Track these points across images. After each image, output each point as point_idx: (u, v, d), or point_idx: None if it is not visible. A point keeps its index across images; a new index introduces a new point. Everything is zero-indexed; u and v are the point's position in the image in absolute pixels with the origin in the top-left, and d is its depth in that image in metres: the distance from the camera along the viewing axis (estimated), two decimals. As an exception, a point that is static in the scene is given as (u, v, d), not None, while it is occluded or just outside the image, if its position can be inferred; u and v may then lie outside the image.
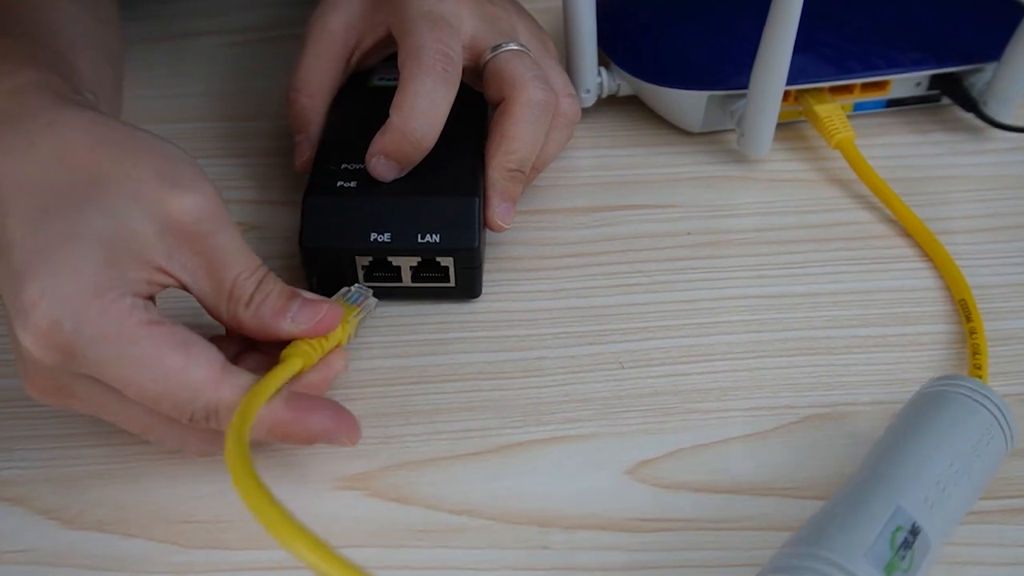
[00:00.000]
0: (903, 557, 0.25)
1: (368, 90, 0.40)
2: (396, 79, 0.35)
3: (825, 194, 0.41)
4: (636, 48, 0.44)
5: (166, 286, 0.28)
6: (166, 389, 0.27)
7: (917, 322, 0.36)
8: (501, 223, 0.35)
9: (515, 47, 0.36)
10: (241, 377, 0.28)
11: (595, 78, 0.43)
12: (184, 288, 0.29)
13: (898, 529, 0.26)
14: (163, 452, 0.32)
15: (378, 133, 0.34)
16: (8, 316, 0.27)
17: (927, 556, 0.26)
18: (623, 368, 0.34)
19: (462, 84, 0.35)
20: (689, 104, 0.43)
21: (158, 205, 0.28)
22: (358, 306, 0.33)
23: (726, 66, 0.42)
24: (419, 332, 0.35)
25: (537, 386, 0.34)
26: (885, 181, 0.40)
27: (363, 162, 0.35)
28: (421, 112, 0.34)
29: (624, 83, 0.44)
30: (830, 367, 0.34)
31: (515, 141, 0.35)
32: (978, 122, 0.44)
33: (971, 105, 0.43)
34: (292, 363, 0.29)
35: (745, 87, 0.40)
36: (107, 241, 0.27)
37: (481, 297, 0.37)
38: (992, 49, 0.42)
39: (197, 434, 0.29)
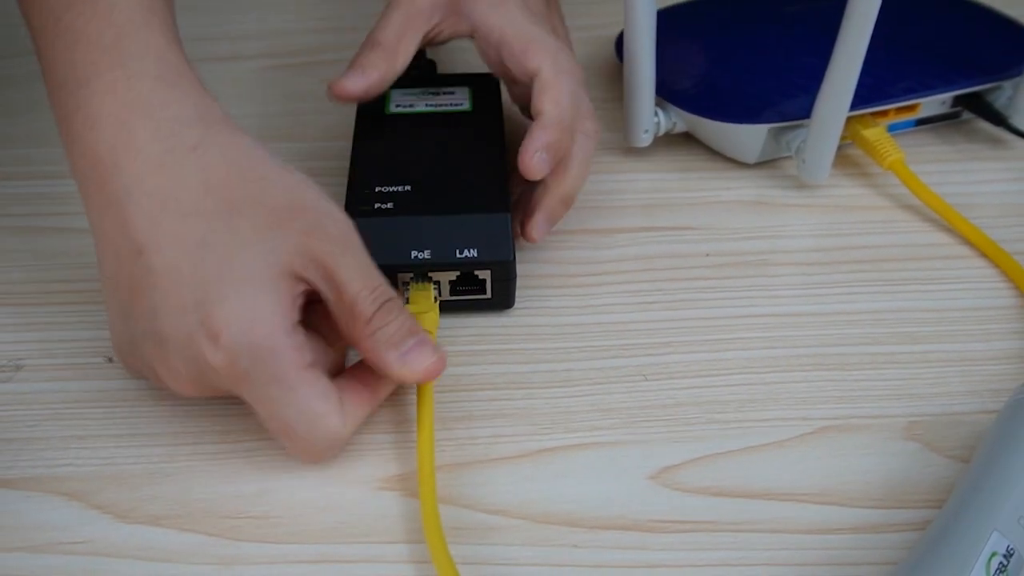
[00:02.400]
0: None
1: (388, 117, 0.42)
2: (412, 106, 0.39)
3: (876, 217, 0.44)
4: (692, 86, 0.46)
5: (309, 298, 0.31)
6: (306, 430, 0.31)
7: (923, 341, 0.38)
8: (539, 238, 0.38)
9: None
10: (357, 411, 0.32)
11: (652, 119, 0.45)
12: (322, 298, 0.31)
13: (993, 555, 0.27)
14: (213, 453, 0.34)
15: (536, 130, 0.37)
16: (160, 331, 0.30)
17: (1020, 574, 0.27)
18: (646, 380, 0.36)
19: (480, 102, 0.40)
20: (748, 137, 0.45)
21: (294, 231, 0.30)
22: (432, 289, 0.36)
23: (784, 98, 0.44)
24: (455, 344, 0.37)
25: (565, 396, 0.35)
26: (941, 197, 0.43)
27: (396, 184, 0.37)
28: (568, 104, 0.38)
29: (679, 121, 0.46)
30: (842, 382, 0.36)
31: (576, 176, 0.39)
32: (1000, 134, 0.47)
33: (999, 119, 0.46)
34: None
35: (802, 117, 0.43)
36: (267, 273, 0.30)
37: (512, 312, 0.39)
38: (1009, 68, 0.46)
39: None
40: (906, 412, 0.35)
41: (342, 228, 0.31)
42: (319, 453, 0.32)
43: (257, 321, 0.29)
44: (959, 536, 0.27)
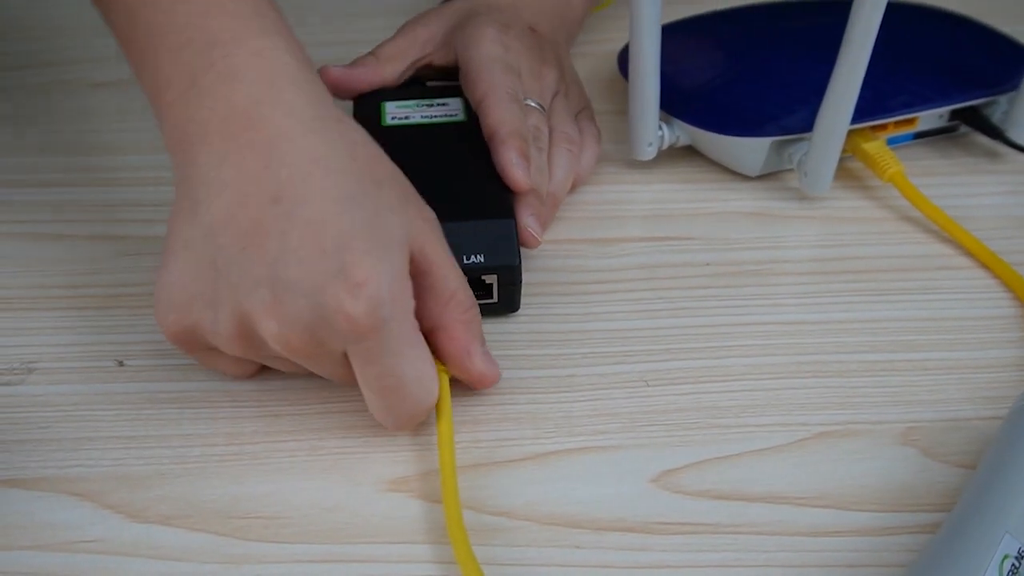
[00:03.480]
0: None
1: (384, 129, 0.43)
2: (407, 117, 0.42)
3: (876, 228, 0.44)
4: (696, 101, 0.47)
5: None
6: (416, 389, 0.32)
7: (920, 349, 0.38)
8: (539, 239, 0.40)
9: (534, 105, 0.43)
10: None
11: (656, 132, 0.46)
12: (424, 280, 0.33)
13: (1005, 558, 0.27)
14: (222, 455, 0.34)
15: (496, 148, 0.40)
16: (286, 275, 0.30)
17: None
18: (648, 386, 0.37)
19: (472, 110, 0.42)
20: (751, 150, 0.46)
21: (418, 216, 0.33)
22: None
23: (786, 113, 0.45)
24: (458, 349, 0.38)
25: (568, 400, 0.36)
26: (940, 208, 0.44)
27: None
28: (507, 113, 0.41)
29: (683, 134, 0.47)
30: (841, 388, 0.37)
31: (559, 180, 0.43)
32: (996, 147, 0.48)
33: (995, 133, 0.47)
34: (443, 379, 0.34)
35: (804, 131, 0.43)
36: (401, 241, 0.31)
37: (517, 318, 0.39)
38: (1004, 82, 0.47)
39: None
40: (904, 418, 0.35)
41: (436, 222, 0.34)
42: (416, 415, 0.33)
43: (399, 278, 0.31)
44: (971, 538, 0.28)
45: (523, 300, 0.39)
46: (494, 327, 0.39)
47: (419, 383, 0.32)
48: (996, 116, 0.48)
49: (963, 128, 0.49)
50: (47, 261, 0.42)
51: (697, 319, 0.39)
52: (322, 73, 0.43)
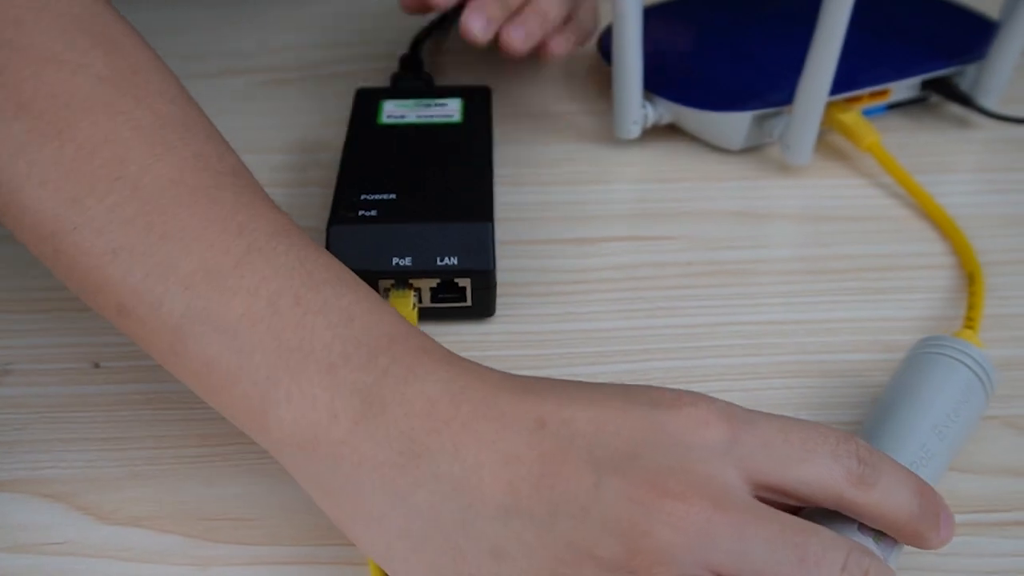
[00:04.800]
0: None
1: (378, 128, 0.43)
2: (403, 117, 0.42)
3: (857, 227, 0.44)
4: (677, 77, 0.48)
5: None
6: None
7: (902, 349, 0.38)
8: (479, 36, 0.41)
9: None
10: None
11: (641, 110, 0.46)
12: None
13: None
14: (194, 457, 0.34)
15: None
16: None
17: None
18: (625, 387, 0.36)
19: (470, 114, 0.42)
20: (732, 125, 0.47)
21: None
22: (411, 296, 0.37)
23: (766, 86, 0.46)
24: (435, 350, 0.38)
25: (544, 402, 0.36)
26: (911, 176, 0.45)
27: (381, 193, 0.38)
28: None
29: (666, 112, 0.48)
30: (821, 389, 0.36)
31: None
32: (966, 114, 0.50)
33: (965, 100, 0.49)
34: None
35: (784, 104, 0.45)
36: None
37: (495, 319, 0.39)
38: (970, 52, 0.49)
39: None
40: (883, 419, 0.35)
41: None
42: None
43: None
44: None
45: (500, 300, 0.39)
46: (470, 328, 0.39)
47: None
48: (964, 85, 0.49)
49: (934, 98, 0.51)
50: (23, 264, 0.42)
51: (675, 319, 0.39)
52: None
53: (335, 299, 0.28)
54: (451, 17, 0.54)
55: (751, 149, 0.48)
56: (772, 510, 0.25)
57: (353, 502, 0.27)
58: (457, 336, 0.38)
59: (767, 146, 0.48)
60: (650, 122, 0.47)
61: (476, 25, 0.41)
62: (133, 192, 0.29)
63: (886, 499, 0.27)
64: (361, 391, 0.27)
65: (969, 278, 0.40)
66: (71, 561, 0.31)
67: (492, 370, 0.29)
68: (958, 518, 0.31)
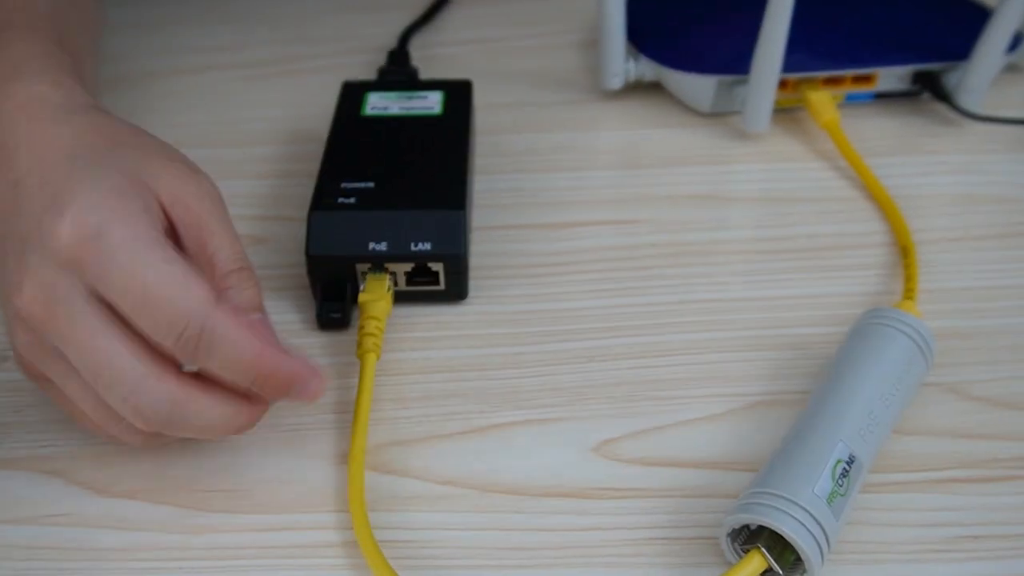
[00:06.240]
0: (841, 485, 0.30)
1: (362, 119, 0.45)
2: (386, 109, 0.43)
3: (816, 208, 0.46)
4: (659, 38, 0.52)
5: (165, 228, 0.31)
6: (169, 295, 0.28)
7: (849, 322, 0.40)
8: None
9: None
10: (232, 305, 0.30)
11: (623, 64, 0.50)
12: (176, 240, 0.32)
13: (838, 462, 0.31)
14: (185, 432, 0.36)
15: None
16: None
17: (860, 477, 0.31)
18: (592, 361, 0.38)
19: (450, 107, 0.44)
20: (700, 87, 0.50)
21: (169, 173, 0.32)
22: (387, 278, 0.39)
23: (732, 54, 0.49)
24: (413, 330, 0.40)
25: (515, 377, 0.38)
26: (861, 156, 0.48)
27: (361, 181, 0.40)
28: None
29: (648, 69, 0.51)
30: (775, 361, 0.38)
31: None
32: (948, 112, 0.51)
33: (944, 96, 0.50)
34: (369, 360, 0.36)
35: (744, 72, 0.47)
36: (132, 181, 0.31)
37: (468, 301, 0.41)
38: (963, 49, 0.49)
39: (127, 425, 0.31)
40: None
41: (214, 189, 0.33)
42: (182, 327, 0.29)
43: (118, 196, 0.30)
44: (811, 446, 0.31)
45: (475, 283, 0.41)
46: (446, 308, 0.41)
47: (165, 286, 0.29)
48: (951, 82, 0.50)
49: (926, 94, 0.51)
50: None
51: (642, 298, 0.41)
52: None
53: None
54: (438, 11, 0.56)
55: (718, 140, 0.50)
56: None
57: None
58: (434, 317, 0.40)
59: (735, 137, 0.50)
60: (633, 76, 0.51)
61: None
62: None
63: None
64: None
65: (903, 252, 0.42)
66: (71, 531, 0.33)
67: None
68: (898, 477, 0.34)
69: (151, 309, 0.29)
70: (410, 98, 0.46)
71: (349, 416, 0.37)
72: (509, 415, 0.37)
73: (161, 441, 0.33)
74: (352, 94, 0.46)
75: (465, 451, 0.35)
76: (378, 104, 0.45)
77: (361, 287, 0.39)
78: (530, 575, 0.31)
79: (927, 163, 0.49)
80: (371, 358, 0.36)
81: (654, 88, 0.53)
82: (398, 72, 0.50)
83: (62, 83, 0.35)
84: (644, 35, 0.52)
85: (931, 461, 0.35)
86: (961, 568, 0.31)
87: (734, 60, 0.49)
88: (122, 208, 0.30)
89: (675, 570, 0.31)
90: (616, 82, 0.51)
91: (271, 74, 0.56)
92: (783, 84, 0.49)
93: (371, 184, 0.40)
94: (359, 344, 0.37)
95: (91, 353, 0.29)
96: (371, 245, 0.38)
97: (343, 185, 0.40)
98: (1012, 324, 0.40)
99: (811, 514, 0.29)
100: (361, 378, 0.36)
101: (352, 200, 0.39)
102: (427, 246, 0.38)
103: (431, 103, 0.46)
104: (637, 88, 0.53)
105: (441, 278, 0.40)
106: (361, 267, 0.39)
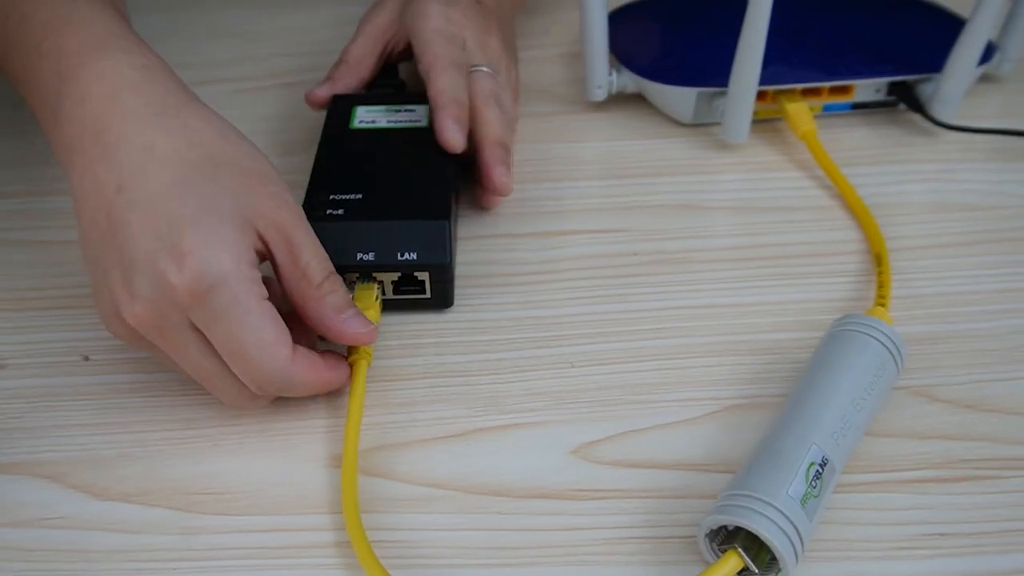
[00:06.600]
0: (815, 486, 0.31)
1: (351, 132, 0.46)
2: (374, 122, 0.45)
3: (790, 217, 0.48)
4: (641, 52, 0.54)
5: (263, 257, 0.35)
6: (258, 359, 0.34)
7: (825, 328, 0.41)
8: (504, 184, 0.45)
9: (486, 69, 0.47)
10: (304, 358, 0.35)
11: (606, 76, 0.52)
12: (272, 262, 0.36)
13: (811, 465, 0.32)
14: (179, 439, 0.37)
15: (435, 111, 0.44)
16: (124, 257, 0.33)
17: (833, 479, 0.32)
18: (573, 367, 0.40)
19: (432, 119, 0.45)
20: (681, 99, 0.52)
21: (264, 195, 0.35)
22: (375, 288, 0.40)
23: (712, 67, 0.50)
24: (400, 338, 0.41)
25: (498, 382, 0.39)
26: (838, 166, 0.49)
27: (349, 193, 0.41)
28: (453, 84, 0.45)
29: (630, 82, 0.53)
30: (751, 365, 0.40)
31: (491, 118, 0.46)
32: (925, 123, 0.52)
33: (918, 107, 0.51)
34: (361, 366, 0.37)
35: (724, 85, 0.49)
36: (237, 217, 0.34)
37: (454, 308, 0.42)
38: (938, 61, 0.50)
39: (246, 391, 0.36)
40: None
41: (297, 205, 0.36)
42: (270, 380, 0.34)
43: (225, 248, 0.33)
44: (787, 449, 0.32)
45: (461, 291, 0.43)
46: (432, 316, 0.42)
47: (259, 348, 0.34)
48: (926, 94, 0.51)
49: (902, 105, 0.53)
50: (16, 265, 0.45)
51: (622, 305, 0.43)
52: (309, 96, 0.49)
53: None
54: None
55: (699, 150, 0.52)
56: None
57: None
58: (420, 325, 0.42)
59: (716, 147, 0.52)
60: (616, 88, 0.53)
61: (506, 177, 0.45)
62: None
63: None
64: (56, 108, 0.36)
65: (876, 259, 0.44)
66: (69, 534, 0.34)
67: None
68: (869, 477, 0.35)
69: (242, 364, 0.34)
70: (397, 111, 0.47)
71: (338, 421, 0.38)
72: (492, 419, 0.38)
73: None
74: (341, 107, 0.48)
75: (449, 455, 0.36)
76: (366, 117, 0.47)
77: (351, 296, 0.40)
78: (512, 573, 0.33)
79: (902, 172, 0.50)
80: (363, 364, 0.38)
81: (637, 100, 0.54)
82: (385, 85, 0.52)
83: (148, 65, 0.37)
84: (627, 48, 0.53)
85: (899, 462, 0.36)
86: (928, 564, 0.33)
87: (714, 72, 0.50)
88: (231, 261, 0.33)
89: (651, 568, 0.33)
90: (600, 94, 0.52)
91: (262, 88, 0.57)
92: (762, 95, 0.51)
93: (359, 195, 0.41)
94: (350, 351, 0.38)
95: (195, 369, 0.35)
96: (359, 255, 0.40)
97: (332, 196, 0.41)
98: (980, 328, 0.41)
99: (786, 515, 0.30)
100: (353, 383, 0.37)
101: (341, 211, 0.41)
102: (413, 255, 0.40)
103: (418, 116, 0.47)
104: (620, 100, 0.54)
105: (427, 287, 0.41)
106: (350, 276, 0.40)
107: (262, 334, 0.34)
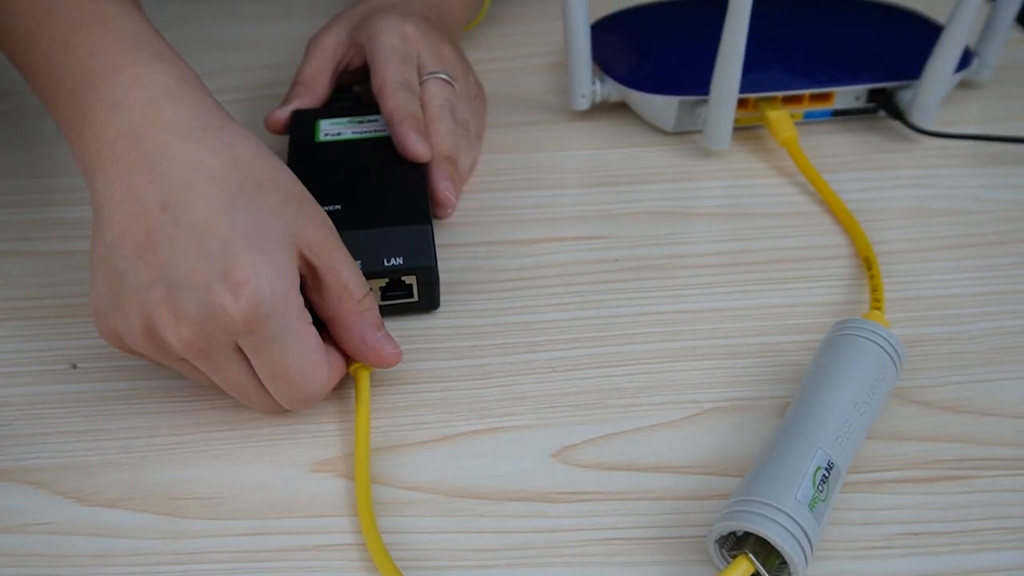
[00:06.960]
0: (822, 490, 0.32)
1: (317, 145, 0.47)
2: (340, 134, 0.46)
3: (772, 223, 0.48)
4: (624, 61, 0.54)
5: (303, 276, 0.36)
6: (301, 377, 0.35)
7: (806, 332, 0.42)
8: (448, 198, 0.46)
9: (444, 76, 0.49)
10: (335, 377, 0.37)
11: (590, 85, 0.53)
12: (312, 280, 0.36)
13: (818, 469, 0.32)
14: (164, 445, 0.38)
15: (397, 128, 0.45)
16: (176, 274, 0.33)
17: (838, 483, 0.33)
18: (554, 372, 0.40)
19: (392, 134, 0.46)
20: (663, 107, 0.52)
21: (304, 215, 0.36)
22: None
23: (693, 76, 0.51)
24: (383, 344, 0.42)
25: (480, 387, 0.40)
26: (819, 172, 0.50)
27: (327, 204, 0.41)
28: (405, 100, 0.47)
29: (613, 91, 0.53)
30: (731, 369, 0.40)
31: (444, 130, 0.47)
32: (904, 129, 0.53)
33: (897, 114, 0.52)
34: (363, 374, 0.38)
35: (705, 93, 0.49)
36: (284, 240, 0.34)
37: (437, 315, 0.43)
38: (916, 68, 0.51)
39: (277, 403, 0.37)
40: (785, 393, 0.39)
41: (332, 226, 0.37)
42: (306, 400, 0.36)
43: (279, 275, 0.33)
44: (794, 454, 0.33)
45: (444, 298, 0.43)
46: (415, 322, 0.42)
47: (303, 372, 0.35)
48: (905, 100, 0.52)
49: (881, 112, 0.53)
50: (7, 275, 0.45)
51: (604, 311, 0.43)
52: (268, 118, 0.49)
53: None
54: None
55: (681, 158, 0.52)
56: None
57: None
58: (404, 331, 0.42)
59: (698, 155, 0.53)
60: (599, 97, 0.53)
61: (451, 192, 0.46)
62: None
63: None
64: (85, 110, 0.36)
65: (865, 263, 0.44)
66: (54, 539, 0.35)
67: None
68: (853, 477, 0.35)
69: (282, 385, 0.36)
70: (361, 122, 0.48)
71: (321, 427, 0.38)
72: (474, 424, 0.38)
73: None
74: (303, 122, 0.48)
75: (431, 458, 0.37)
76: (331, 130, 0.47)
77: None
78: (492, 575, 0.33)
79: (883, 178, 0.51)
80: (365, 373, 0.38)
81: (620, 109, 0.55)
82: (343, 99, 0.52)
83: (183, 75, 0.37)
84: (610, 58, 0.54)
85: (875, 463, 0.36)
86: (902, 563, 0.33)
87: (695, 81, 0.51)
88: (284, 288, 0.34)
89: (631, 569, 0.33)
90: (583, 103, 0.53)
91: (236, 100, 0.58)
92: (744, 103, 0.52)
93: (337, 206, 0.42)
94: (350, 361, 0.38)
95: (230, 385, 0.36)
96: (344, 264, 0.40)
97: None
98: (959, 331, 0.42)
99: (795, 520, 0.30)
100: (358, 391, 0.38)
101: (323, 220, 0.41)
102: (399, 260, 0.40)
103: (381, 125, 0.48)
104: (604, 108, 0.55)
105: (415, 290, 0.41)
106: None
107: (307, 360, 0.35)
